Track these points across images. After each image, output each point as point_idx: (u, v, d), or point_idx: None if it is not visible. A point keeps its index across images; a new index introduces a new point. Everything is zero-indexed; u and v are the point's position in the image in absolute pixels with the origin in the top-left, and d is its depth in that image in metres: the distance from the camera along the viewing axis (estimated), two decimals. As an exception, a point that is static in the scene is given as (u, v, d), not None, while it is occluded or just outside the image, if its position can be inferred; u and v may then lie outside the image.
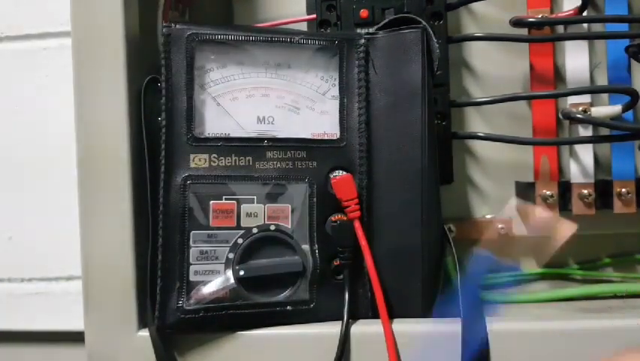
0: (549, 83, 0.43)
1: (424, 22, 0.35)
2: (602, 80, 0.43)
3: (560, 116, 0.43)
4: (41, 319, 0.52)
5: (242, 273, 0.33)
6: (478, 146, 0.45)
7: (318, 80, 0.36)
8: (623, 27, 0.42)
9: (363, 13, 0.41)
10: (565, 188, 0.42)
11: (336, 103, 0.35)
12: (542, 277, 0.46)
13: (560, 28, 0.43)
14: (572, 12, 0.41)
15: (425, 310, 0.35)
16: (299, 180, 0.34)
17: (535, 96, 0.42)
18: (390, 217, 0.35)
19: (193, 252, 0.33)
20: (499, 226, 0.44)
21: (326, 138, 0.35)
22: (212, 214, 0.33)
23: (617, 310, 0.40)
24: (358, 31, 0.40)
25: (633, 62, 0.42)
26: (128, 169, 0.34)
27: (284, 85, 0.35)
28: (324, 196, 0.34)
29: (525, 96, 0.42)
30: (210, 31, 0.34)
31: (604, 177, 0.43)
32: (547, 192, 0.42)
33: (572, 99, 0.42)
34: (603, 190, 0.42)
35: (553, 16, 0.42)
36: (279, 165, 0.34)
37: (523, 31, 0.42)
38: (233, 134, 0.34)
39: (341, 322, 0.33)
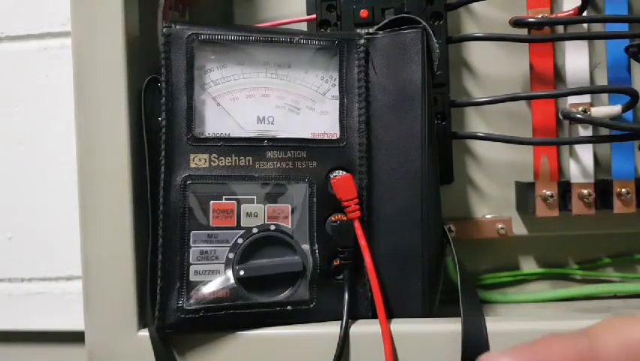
0: (549, 83, 0.43)
1: (423, 23, 0.35)
2: (602, 80, 0.43)
3: (560, 116, 0.43)
4: (41, 319, 0.52)
5: (242, 273, 0.33)
6: (478, 146, 0.45)
7: (318, 80, 0.36)
8: (623, 27, 0.42)
9: (363, 13, 0.41)
10: (565, 188, 0.42)
11: (336, 103, 0.35)
12: (542, 277, 0.46)
13: (560, 29, 0.43)
14: (571, 12, 0.41)
15: (425, 310, 0.35)
16: (299, 180, 0.34)
17: (535, 96, 0.42)
18: (390, 217, 0.35)
19: (193, 252, 0.33)
20: (499, 225, 0.44)
21: (326, 137, 0.35)
22: (212, 214, 0.33)
23: (617, 310, 0.40)
24: (358, 31, 0.40)
25: (633, 62, 0.42)
26: (128, 169, 0.34)
27: (284, 85, 0.35)
28: (324, 196, 0.34)
29: (525, 96, 0.42)
30: (210, 31, 0.34)
31: (604, 177, 0.43)
32: (547, 192, 0.42)
33: (572, 99, 0.42)
34: (603, 190, 0.42)
35: (553, 16, 0.42)
36: (279, 165, 0.34)
37: (523, 32, 0.42)
38: (233, 135, 0.34)
39: (340, 322, 0.33)
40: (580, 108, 0.42)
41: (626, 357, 0.17)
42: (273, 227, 0.34)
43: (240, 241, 0.34)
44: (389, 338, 0.32)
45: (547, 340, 0.18)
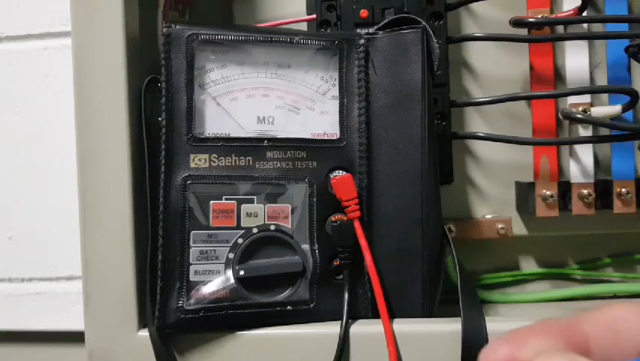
0: (549, 83, 0.43)
1: (424, 23, 0.35)
2: (602, 80, 0.43)
3: (560, 116, 0.43)
4: (41, 319, 0.52)
5: (242, 273, 0.33)
6: (478, 146, 0.45)
7: (318, 80, 0.36)
8: (623, 27, 0.42)
9: (363, 13, 0.41)
10: (565, 188, 0.42)
11: (336, 103, 0.35)
12: (542, 277, 0.46)
13: (560, 28, 0.43)
14: (572, 12, 0.41)
15: (425, 310, 0.35)
16: (299, 180, 0.34)
17: (535, 96, 0.42)
18: (390, 217, 0.35)
19: (193, 252, 0.33)
20: (499, 225, 0.44)
21: (326, 137, 0.35)
22: (212, 214, 0.33)
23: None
24: (358, 31, 0.40)
25: (633, 62, 0.42)
26: (128, 169, 0.34)
27: (284, 85, 0.35)
28: (324, 196, 0.34)
29: (525, 96, 0.42)
30: (210, 31, 0.34)
31: (604, 177, 0.43)
32: (547, 192, 0.42)
33: (572, 99, 0.42)
34: (603, 190, 0.42)
35: (553, 16, 0.42)
36: (279, 165, 0.34)
37: (523, 32, 0.42)
38: (233, 135, 0.34)
39: (340, 322, 0.33)
40: (580, 108, 0.42)
41: (610, 331, 0.19)
42: (273, 227, 0.34)
43: (240, 241, 0.34)
44: (392, 338, 0.32)
45: (542, 321, 0.20)
